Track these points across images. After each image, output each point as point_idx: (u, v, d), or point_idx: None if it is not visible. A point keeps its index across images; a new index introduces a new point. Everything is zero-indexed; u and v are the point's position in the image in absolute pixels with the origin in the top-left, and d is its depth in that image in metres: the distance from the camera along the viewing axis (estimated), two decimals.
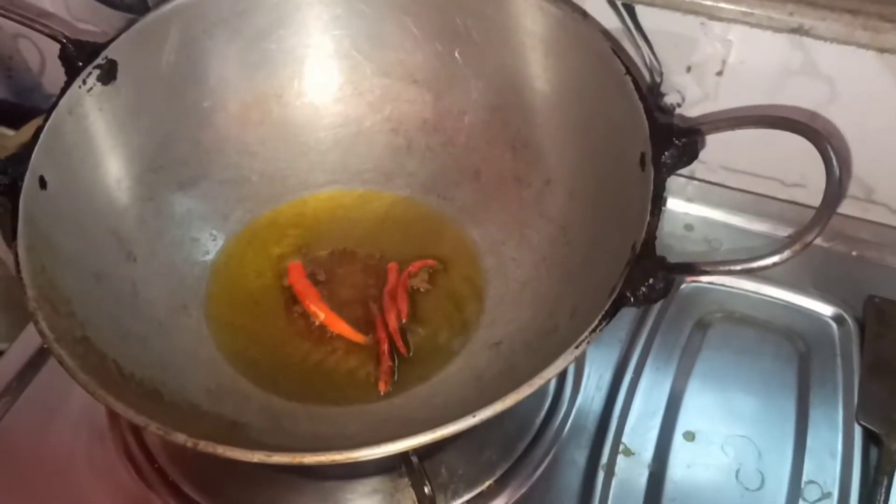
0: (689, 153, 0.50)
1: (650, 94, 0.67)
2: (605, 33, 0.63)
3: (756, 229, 0.70)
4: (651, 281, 0.45)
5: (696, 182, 0.72)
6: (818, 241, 0.67)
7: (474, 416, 0.42)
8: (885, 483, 0.54)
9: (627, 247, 0.47)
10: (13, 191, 0.51)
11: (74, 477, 0.57)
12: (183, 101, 0.64)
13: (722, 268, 0.46)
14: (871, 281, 0.65)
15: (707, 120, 0.52)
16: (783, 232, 0.70)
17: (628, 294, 0.45)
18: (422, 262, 0.64)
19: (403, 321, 0.61)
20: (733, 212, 0.71)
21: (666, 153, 0.50)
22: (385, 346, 0.59)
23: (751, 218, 0.71)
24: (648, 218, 0.47)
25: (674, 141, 0.50)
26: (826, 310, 0.64)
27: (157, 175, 0.62)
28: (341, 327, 0.60)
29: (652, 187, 0.48)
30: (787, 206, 0.70)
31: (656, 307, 0.64)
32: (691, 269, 0.46)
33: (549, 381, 0.44)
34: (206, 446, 0.42)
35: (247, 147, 0.67)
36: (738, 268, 0.45)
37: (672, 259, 0.46)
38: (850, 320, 0.63)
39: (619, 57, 0.55)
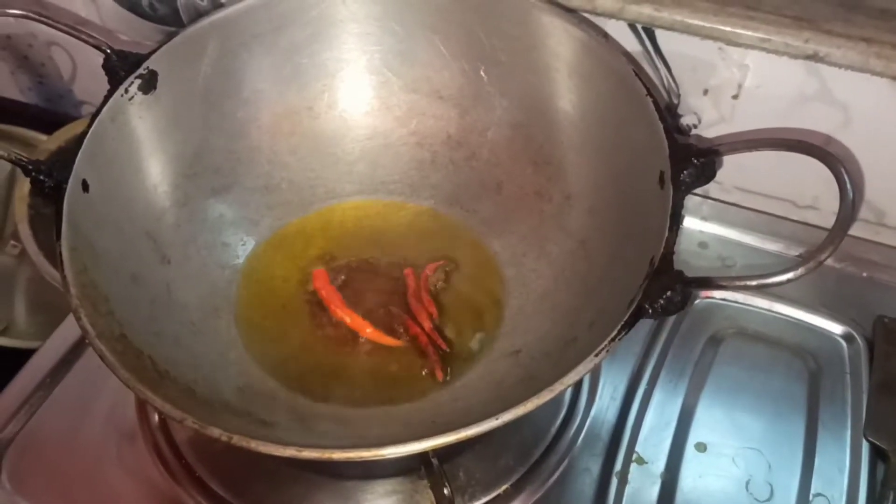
0: (707, 172, 0.52)
1: (668, 114, 0.69)
2: (626, 55, 0.65)
3: (769, 248, 0.71)
4: (669, 294, 0.46)
5: (710, 201, 0.74)
6: (830, 262, 0.68)
7: (497, 419, 0.43)
8: (892, 498, 0.55)
9: (645, 261, 0.49)
10: (58, 193, 0.53)
11: (104, 471, 0.59)
12: (218, 111, 0.66)
13: (738, 283, 0.47)
14: (881, 301, 0.67)
15: (725, 141, 0.53)
16: (795, 252, 0.71)
17: (647, 306, 0.47)
18: (435, 264, 0.66)
19: (435, 319, 0.63)
20: (747, 231, 0.72)
21: (685, 172, 0.51)
22: (425, 340, 0.61)
23: (764, 237, 0.72)
24: (667, 234, 0.49)
25: (692, 160, 0.51)
26: (836, 328, 0.66)
27: (192, 181, 0.64)
28: (369, 331, 0.62)
29: (670, 204, 0.50)
30: (799, 227, 0.72)
31: (670, 322, 0.66)
32: (708, 283, 0.47)
33: (567, 389, 0.45)
34: (239, 440, 0.43)
35: (278, 157, 0.69)
36: (754, 283, 0.46)
37: (687, 275, 0.48)
38: (859, 339, 0.64)
39: (640, 78, 0.56)
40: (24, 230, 0.80)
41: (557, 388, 0.45)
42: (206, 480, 0.58)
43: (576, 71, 0.62)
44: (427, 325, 0.62)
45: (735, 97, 0.67)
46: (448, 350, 0.61)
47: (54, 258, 0.76)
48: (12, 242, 0.88)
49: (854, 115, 0.64)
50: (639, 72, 0.57)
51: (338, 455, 0.43)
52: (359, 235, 0.68)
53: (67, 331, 0.66)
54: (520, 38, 0.64)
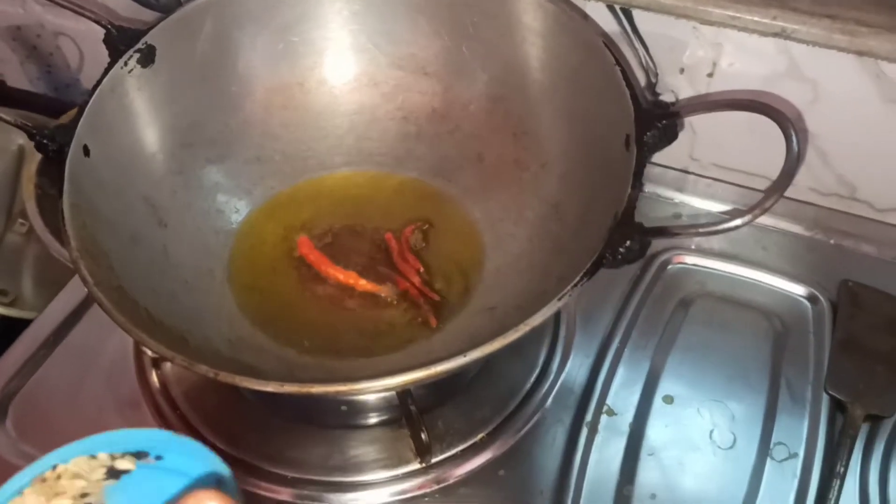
0: (669, 134, 0.55)
1: (647, 90, 0.71)
2: (605, 36, 0.68)
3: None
4: (628, 243, 0.49)
5: (688, 175, 0.76)
6: (800, 230, 0.71)
7: (465, 356, 0.47)
8: (848, 444, 0.57)
9: (611, 217, 0.52)
10: (60, 156, 0.56)
11: (103, 419, 0.62)
12: (213, 85, 0.69)
13: (691, 230, 0.50)
14: (847, 267, 0.69)
15: (685, 104, 0.56)
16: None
17: (608, 255, 0.50)
18: (412, 225, 0.69)
19: (423, 274, 0.66)
20: (720, 202, 0.74)
21: (648, 133, 0.54)
22: (416, 293, 0.64)
23: (736, 207, 0.74)
24: (629, 190, 0.52)
25: (655, 123, 0.54)
26: (802, 291, 0.68)
27: (188, 151, 0.67)
28: (362, 283, 0.65)
29: (633, 164, 0.53)
30: None
31: (643, 286, 0.68)
32: (664, 231, 0.50)
33: (535, 329, 0.48)
34: (225, 377, 0.47)
35: (270, 129, 0.72)
36: (705, 230, 0.50)
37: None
38: (823, 301, 0.67)
39: (609, 49, 0.59)
40: (32, 209, 0.82)
41: (522, 328, 0.48)
42: (199, 429, 0.61)
43: (549, 45, 0.65)
44: (416, 279, 0.65)
45: (710, 75, 0.69)
46: (440, 300, 0.64)
47: (60, 235, 0.80)
48: (20, 221, 0.91)
49: (822, 92, 0.66)
50: (608, 43, 0.60)
51: (316, 389, 0.46)
52: (346, 204, 0.71)
53: (68, 296, 0.70)
54: (499, 15, 0.67)
